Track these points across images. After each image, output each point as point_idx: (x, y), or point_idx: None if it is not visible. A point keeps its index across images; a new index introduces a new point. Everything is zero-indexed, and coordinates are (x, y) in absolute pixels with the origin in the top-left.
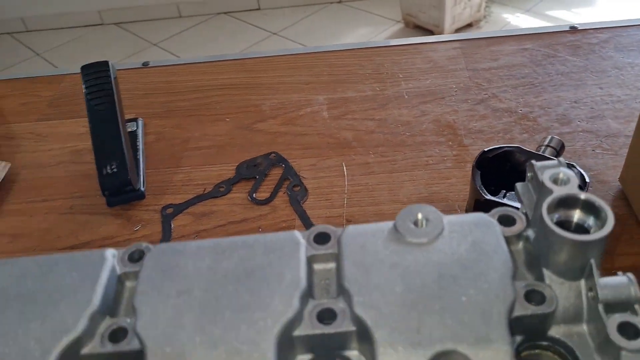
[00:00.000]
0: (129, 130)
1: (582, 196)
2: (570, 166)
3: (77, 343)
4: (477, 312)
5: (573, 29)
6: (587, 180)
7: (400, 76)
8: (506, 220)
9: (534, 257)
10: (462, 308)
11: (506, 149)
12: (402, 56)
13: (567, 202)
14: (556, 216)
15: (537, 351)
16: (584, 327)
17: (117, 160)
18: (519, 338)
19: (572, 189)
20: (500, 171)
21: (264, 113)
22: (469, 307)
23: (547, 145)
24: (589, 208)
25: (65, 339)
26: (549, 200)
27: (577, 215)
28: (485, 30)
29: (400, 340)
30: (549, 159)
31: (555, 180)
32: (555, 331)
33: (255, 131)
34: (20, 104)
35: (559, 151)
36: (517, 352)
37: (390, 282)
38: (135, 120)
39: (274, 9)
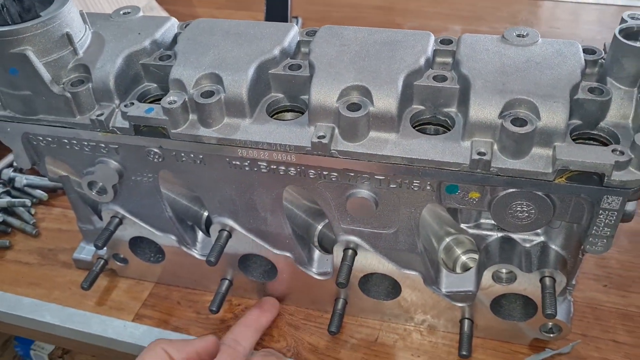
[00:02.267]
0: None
1: None
2: None
3: (269, 63)
4: (548, 82)
5: None
6: None
7: (533, 22)
8: (590, 51)
9: (602, 77)
10: (538, 78)
11: None
12: (540, 7)
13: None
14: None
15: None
16: (629, 122)
17: None
18: (577, 122)
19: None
20: None
21: None
22: (543, 79)
23: None
24: None
25: (263, 57)
26: (622, 25)
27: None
28: None
29: (489, 87)
30: None
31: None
32: (605, 123)
33: None
34: None
35: None
36: (571, 133)
37: (491, 60)
38: (296, 18)
39: None
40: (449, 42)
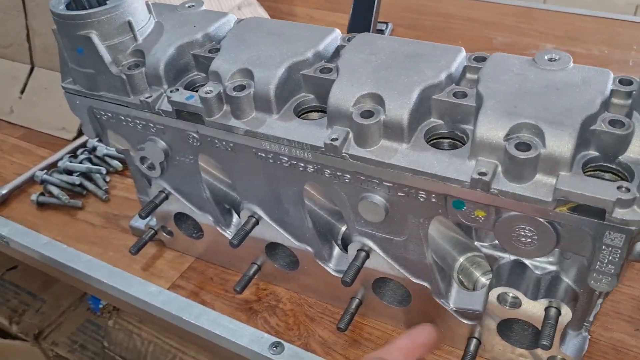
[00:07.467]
0: (378, 28)
1: None
2: None
3: (301, 64)
4: (562, 109)
5: None
6: None
7: (634, 47)
8: (626, 82)
9: (631, 110)
10: (552, 105)
11: None
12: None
13: None
14: None
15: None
16: None
17: None
18: (593, 153)
19: None
20: None
21: (494, 45)
22: (557, 106)
23: None
24: None
25: (295, 58)
26: None
27: None
28: None
29: (499, 108)
30: None
31: None
32: (624, 158)
33: None
34: None
35: None
36: (584, 165)
37: (510, 81)
38: (386, 23)
39: None
40: (482, 59)
